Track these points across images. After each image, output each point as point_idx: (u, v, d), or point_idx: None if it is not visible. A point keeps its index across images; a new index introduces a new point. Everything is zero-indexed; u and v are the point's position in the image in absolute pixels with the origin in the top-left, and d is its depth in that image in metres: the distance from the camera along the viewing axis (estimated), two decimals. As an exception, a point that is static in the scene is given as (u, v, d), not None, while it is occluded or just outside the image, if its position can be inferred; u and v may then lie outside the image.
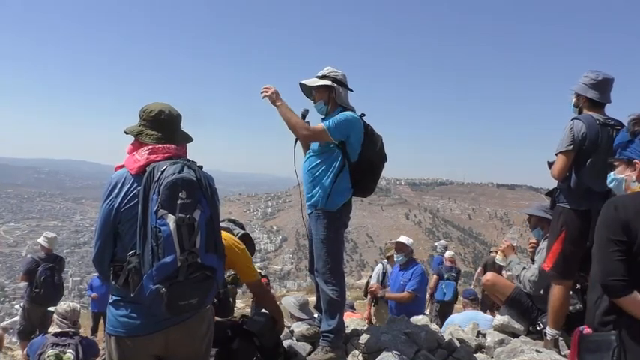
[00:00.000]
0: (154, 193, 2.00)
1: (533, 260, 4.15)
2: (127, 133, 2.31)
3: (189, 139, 2.41)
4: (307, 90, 3.52)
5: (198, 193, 2.04)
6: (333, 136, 3.24)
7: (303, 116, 3.50)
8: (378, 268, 6.66)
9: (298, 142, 3.52)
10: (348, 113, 3.30)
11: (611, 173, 2.22)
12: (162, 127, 2.27)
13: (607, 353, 1.92)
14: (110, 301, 2.18)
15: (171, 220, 1.94)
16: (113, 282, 2.13)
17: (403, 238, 5.90)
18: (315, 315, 3.86)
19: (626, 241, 1.92)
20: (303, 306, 4.08)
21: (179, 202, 1.97)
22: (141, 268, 1.99)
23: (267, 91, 3.30)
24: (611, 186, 2.25)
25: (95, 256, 2.18)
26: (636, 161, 2.08)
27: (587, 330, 2.05)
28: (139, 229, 2.01)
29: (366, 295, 7.23)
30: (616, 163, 2.19)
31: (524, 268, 4.02)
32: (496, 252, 4.64)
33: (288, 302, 4.18)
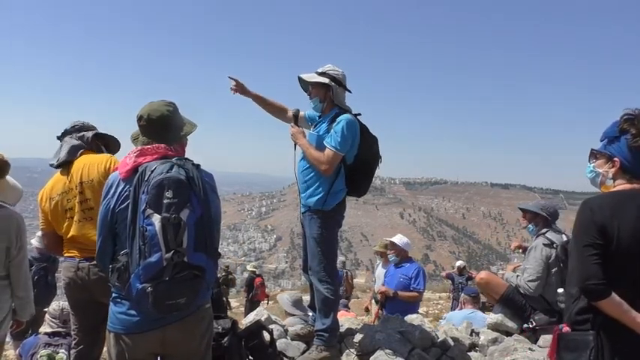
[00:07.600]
0: (143, 193, 2.01)
1: None
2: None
3: (184, 136, 2.36)
4: (305, 85, 3.47)
5: (186, 192, 2.01)
6: (343, 152, 3.21)
7: (295, 116, 3.48)
8: (379, 270, 6.60)
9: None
10: (344, 119, 3.22)
11: (591, 164, 2.21)
12: (145, 132, 2.28)
13: (585, 352, 1.94)
14: (110, 298, 2.20)
15: (156, 219, 1.94)
16: (112, 280, 2.16)
17: (397, 238, 5.90)
18: (310, 314, 3.86)
19: (602, 243, 1.93)
20: (297, 302, 4.10)
21: (165, 201, 1.96)
22: (129, 267, 2.01)
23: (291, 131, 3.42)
24: (588, 176, 2.25)
25: (97, 254, 2.23)
26: (616, 159, 2.07)
27: (566, 329, 2.07)
28: (129, 229, 2.03)
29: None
30: (598, 156, 2.18)
31: (517, 275, 4.08)
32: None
33: (282, 299, 4.20)
